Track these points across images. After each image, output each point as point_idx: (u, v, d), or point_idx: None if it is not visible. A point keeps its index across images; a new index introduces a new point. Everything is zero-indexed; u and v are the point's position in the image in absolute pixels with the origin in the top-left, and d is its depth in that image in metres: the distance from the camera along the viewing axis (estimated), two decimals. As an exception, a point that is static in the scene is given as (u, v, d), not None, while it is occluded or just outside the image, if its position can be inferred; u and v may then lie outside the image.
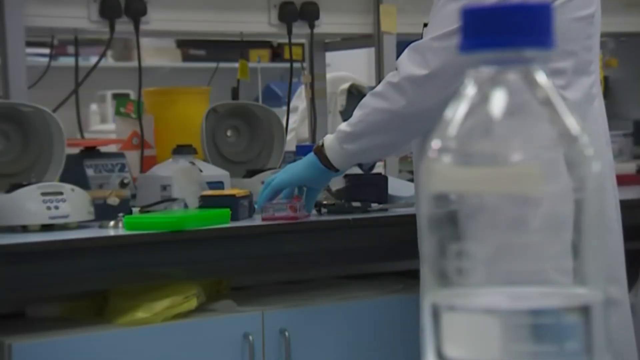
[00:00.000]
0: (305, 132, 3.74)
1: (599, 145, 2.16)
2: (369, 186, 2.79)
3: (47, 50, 3.60)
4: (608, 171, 2.21)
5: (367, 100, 2.32)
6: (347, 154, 2.37)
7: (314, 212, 2.62)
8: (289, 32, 3.21)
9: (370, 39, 3.40)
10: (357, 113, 2.34)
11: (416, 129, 2.27)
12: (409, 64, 2.22)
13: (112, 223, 2.48)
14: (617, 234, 2.21)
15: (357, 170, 2.96)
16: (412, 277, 2.45)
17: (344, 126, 2.38)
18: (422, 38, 2.29)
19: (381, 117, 2.28)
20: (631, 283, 2.34)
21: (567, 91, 2.12)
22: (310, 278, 2.83)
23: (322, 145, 2.41)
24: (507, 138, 0.67)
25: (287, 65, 3.45)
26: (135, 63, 3.12)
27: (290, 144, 3.46)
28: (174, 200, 2.68)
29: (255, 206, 2.60)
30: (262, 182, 2.64)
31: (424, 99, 2.20)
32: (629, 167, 3.42)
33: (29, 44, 3.11)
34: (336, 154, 2.38)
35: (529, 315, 0.66)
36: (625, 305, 2.22)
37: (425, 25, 2.33)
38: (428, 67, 2.18)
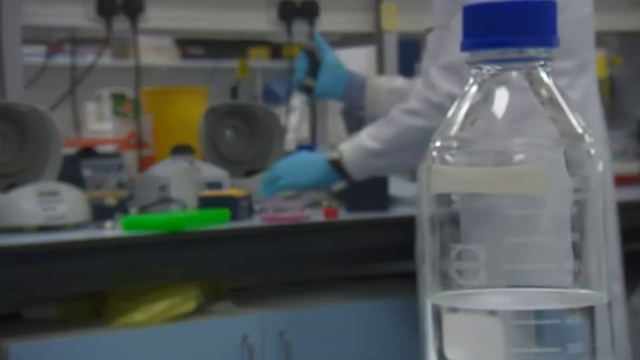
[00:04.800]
0: (305, 132, 3.73)
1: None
2: (369, 186, 2.77)
3: (43, 49, 3.59)
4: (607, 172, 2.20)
5: (401, 118, 2.32)
6: (372, 168, 2.41)
7: (313, 211, 2.62)
8: (289, 31, 3.20)
9: (370, 38, 3.39)
10: (387, 130, 2.33)
11: None
12: (446, 84, 2.22)
13: (109, 224, 2.47)
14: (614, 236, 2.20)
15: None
16: (413, 279, 2.44)
17: (370, 142, 2.37)
18: (426, 43, 2.29)
19: (419, 136, 2.28)
20: (632, 284, 2.33)
21: (569, 91, 2.12)
22: (310, 279, 2.83)
23: (340, 158, 2.42)
24: (509, 138, 0.67)
25: (287, 64, 3.44)
26: (132, 62, 3.11)
27: (290, 144, 3.45)
28: (172, 200, 2.67)
29: (259, 194, 2.60)
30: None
31: None
32: (632, 167, 3.40)
33: (25, 42, 3.09)
34: (358, 168, 2.41)
35: (532, 317, 0.66)
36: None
37: (429, 30, 2.32)
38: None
